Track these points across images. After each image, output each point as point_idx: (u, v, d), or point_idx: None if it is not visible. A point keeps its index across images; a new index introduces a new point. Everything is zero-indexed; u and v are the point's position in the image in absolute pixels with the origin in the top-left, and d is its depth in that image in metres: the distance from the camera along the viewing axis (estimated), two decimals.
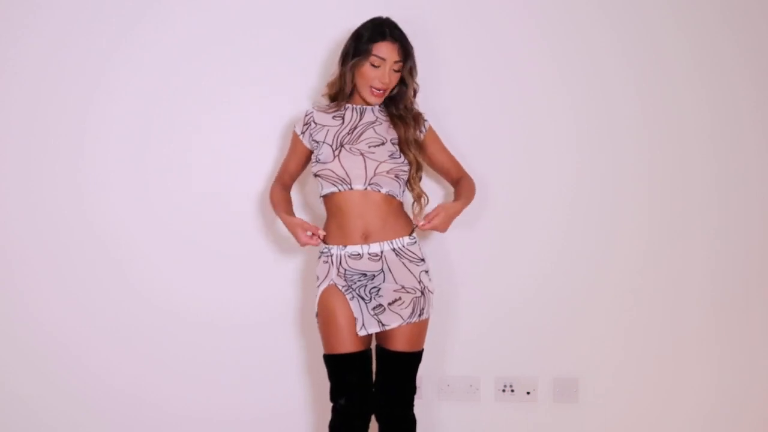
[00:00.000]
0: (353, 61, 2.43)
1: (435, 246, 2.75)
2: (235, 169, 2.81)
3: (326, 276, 2.42)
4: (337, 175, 2.41)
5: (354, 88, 2.49)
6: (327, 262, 2.43)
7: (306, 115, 2.55)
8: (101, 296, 2.84)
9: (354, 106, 2.52)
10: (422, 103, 2.58)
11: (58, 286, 2.84)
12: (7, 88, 2.80)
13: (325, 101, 2.60)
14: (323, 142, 2.47)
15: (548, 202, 2.80)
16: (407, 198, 2.52)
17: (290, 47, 2.77)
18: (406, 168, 2.45)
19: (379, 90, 2.45)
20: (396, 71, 2.44)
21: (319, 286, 2.43)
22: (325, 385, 2.45)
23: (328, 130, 2.49)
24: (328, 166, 2.41)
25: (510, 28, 2.76)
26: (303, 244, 2.39)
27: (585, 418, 2.83)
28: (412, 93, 2.51)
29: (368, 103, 2.51)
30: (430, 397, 2.84)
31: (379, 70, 2.42)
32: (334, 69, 2.55)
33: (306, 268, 2.79)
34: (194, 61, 2.79)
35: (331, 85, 2.55)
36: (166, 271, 2.83)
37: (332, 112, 2.53)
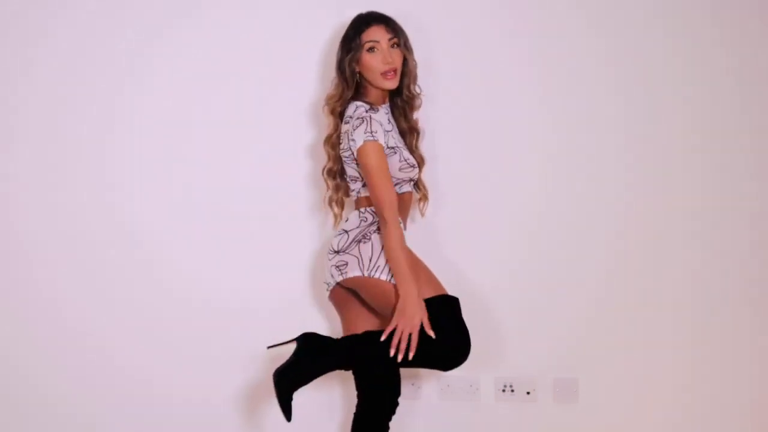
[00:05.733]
0: (349, 56, 2.42)
1: (433, 246, 2.75)
2: (258, 164, 2.84)
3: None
4: (414, 178, 2.54)
5: (366, 86, 2.47)
6: None
7: (372, 121, 2.39)
8: (125, 291, 2.90)
9: (382, 107, 2.52)
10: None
11: (81, 282, 2.91)
12: (33, 84, 2.87)
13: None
14: (397, 147, 2.46)
15: (548, 203, 2.80)
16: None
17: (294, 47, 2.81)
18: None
19: (390, 72, 2.42)
20: (394, 47, 2.44)
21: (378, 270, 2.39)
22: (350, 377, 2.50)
23: (393, 134, 2.49)
24: (417, 169, 2.52)
25: (501, 26, 2.78)
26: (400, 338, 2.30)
27: (585, 418, 2.81)
28: (415, 69, 2.51)
29: (386, 89, 2.47)
30: (430, 397, 2.84)
31: (378, 54, 2.41)
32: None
33: None
34: (222, 59, 2.83)
35: (330, 97, 2.51)
36: (189, 264, 2.88)
37: (378, 114, 2.46)
